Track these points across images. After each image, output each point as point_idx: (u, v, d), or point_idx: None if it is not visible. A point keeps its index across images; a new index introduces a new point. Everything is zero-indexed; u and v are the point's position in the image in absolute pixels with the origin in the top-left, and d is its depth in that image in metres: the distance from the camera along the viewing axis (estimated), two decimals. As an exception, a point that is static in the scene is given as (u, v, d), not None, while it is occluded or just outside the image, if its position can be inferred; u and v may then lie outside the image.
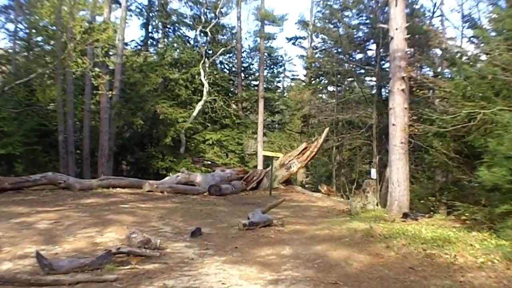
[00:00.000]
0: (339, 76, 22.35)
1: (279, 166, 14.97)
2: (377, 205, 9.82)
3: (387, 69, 19.58)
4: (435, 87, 10.75)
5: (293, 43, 27.92)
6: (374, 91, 21.10)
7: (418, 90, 9.68)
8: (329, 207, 11.22)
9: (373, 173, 13.48)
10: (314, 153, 15.19)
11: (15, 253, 5.02)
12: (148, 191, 11.59)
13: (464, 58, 9.81)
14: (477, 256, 4.93)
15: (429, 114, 8.32)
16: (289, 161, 14.92)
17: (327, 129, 16.02)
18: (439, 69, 17.80)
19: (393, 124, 9.52)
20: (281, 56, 28.85)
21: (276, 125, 29.07)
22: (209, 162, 17.50)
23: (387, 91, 20.28)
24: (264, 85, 24.45)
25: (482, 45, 9.41)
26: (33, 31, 15.88)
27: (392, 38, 9.59)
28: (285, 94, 29.93)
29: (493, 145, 6.21)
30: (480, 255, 4.96)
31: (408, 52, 10.27)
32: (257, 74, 26.13)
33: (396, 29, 9.47)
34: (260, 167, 20.64)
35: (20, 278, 3.96)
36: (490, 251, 5.11)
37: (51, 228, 6.38)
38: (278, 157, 15.22)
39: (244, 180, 14.27)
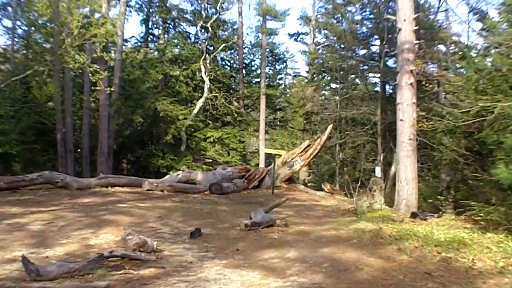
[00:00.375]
0: (342, 72, 21.99)
1: (281, 164, 14.63)
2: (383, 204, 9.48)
3: (391, 64, 19.30)
4: (443, 81, 10.39)
5: (295, 39, 27.60)
6: (378, 88, 20.76)
7: (428, 84, 9.31)
8: (333, 206, 10.90)
9: (378, 171, 13.13)
10: (317, 150, 14.83)
11: (3, 257, 4.76)
12: (148, 190, 11.33)
13: (473, 51, 9.48)
14: (496, 260, 4.61)
15: (441, 108, 7.95)
16: (292, 159, 14.57)
17: (330, 126, 15.66)
18: (444, 64, 17.44)
19: (401, 120, 9.16)
20: (283, 53, 28.55)
21: (278, 123, 28.74)
22: (210, 160, 17.17)
23: (391, 87, 19.99)
24: (266, 82, 24.11)
25: (492, 38, 9.07)
26: (32, 28, 15.55)
27: (400, 29, 9.21)
28: (287, 91, 29.56)
29: (510, 141, 5.88)
30: (499, 259, 4.64)
31: (416, 45, 9.90)
32: (258, 70, 25.81)
33: (404, 20, 9.09)
34: (262, 165, 20.33)
35: (4, 285, 3.66)
36: (509, 255, 4.81)
37: (44, 230, 6.13)
38: (281, 155, 14.88)
39: (246, 179, 13.97)
